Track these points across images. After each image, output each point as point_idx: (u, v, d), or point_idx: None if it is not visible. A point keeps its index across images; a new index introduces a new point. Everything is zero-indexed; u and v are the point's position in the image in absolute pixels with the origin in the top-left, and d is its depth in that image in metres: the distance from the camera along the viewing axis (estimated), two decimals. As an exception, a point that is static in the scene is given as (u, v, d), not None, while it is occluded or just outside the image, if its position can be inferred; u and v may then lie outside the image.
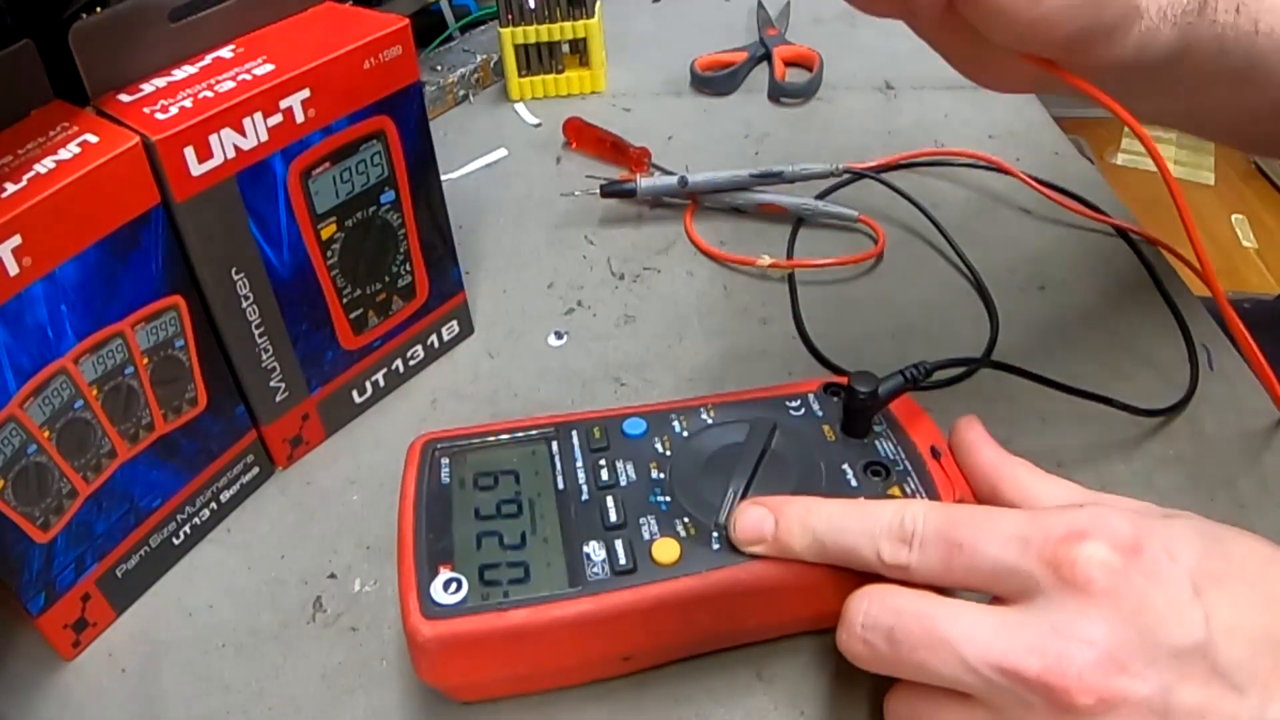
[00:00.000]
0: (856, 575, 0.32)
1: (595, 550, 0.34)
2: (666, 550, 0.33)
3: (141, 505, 0.40)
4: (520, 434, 0.38)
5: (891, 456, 0.37)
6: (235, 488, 0.44)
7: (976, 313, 0.52)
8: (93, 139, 0.35)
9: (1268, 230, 2.06)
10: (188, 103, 0.37)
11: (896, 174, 0.63)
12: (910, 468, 0.36)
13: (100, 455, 0.38)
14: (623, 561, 0.33)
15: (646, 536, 0.34)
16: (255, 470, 0.45)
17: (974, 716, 0.29)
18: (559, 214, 0.62)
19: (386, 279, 0.47)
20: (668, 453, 0.37)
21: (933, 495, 0.35)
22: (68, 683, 0.38)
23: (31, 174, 0.34)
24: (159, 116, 0.36)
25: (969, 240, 0.56)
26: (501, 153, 0.68)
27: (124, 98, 0.38)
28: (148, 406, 0.39)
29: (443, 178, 0.65)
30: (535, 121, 0.72)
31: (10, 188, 0.33)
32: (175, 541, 0.42)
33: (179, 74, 0.39)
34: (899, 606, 0.30)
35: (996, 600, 0.30)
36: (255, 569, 0.42)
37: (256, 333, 0.42)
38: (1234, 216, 2.11)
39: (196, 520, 0.43)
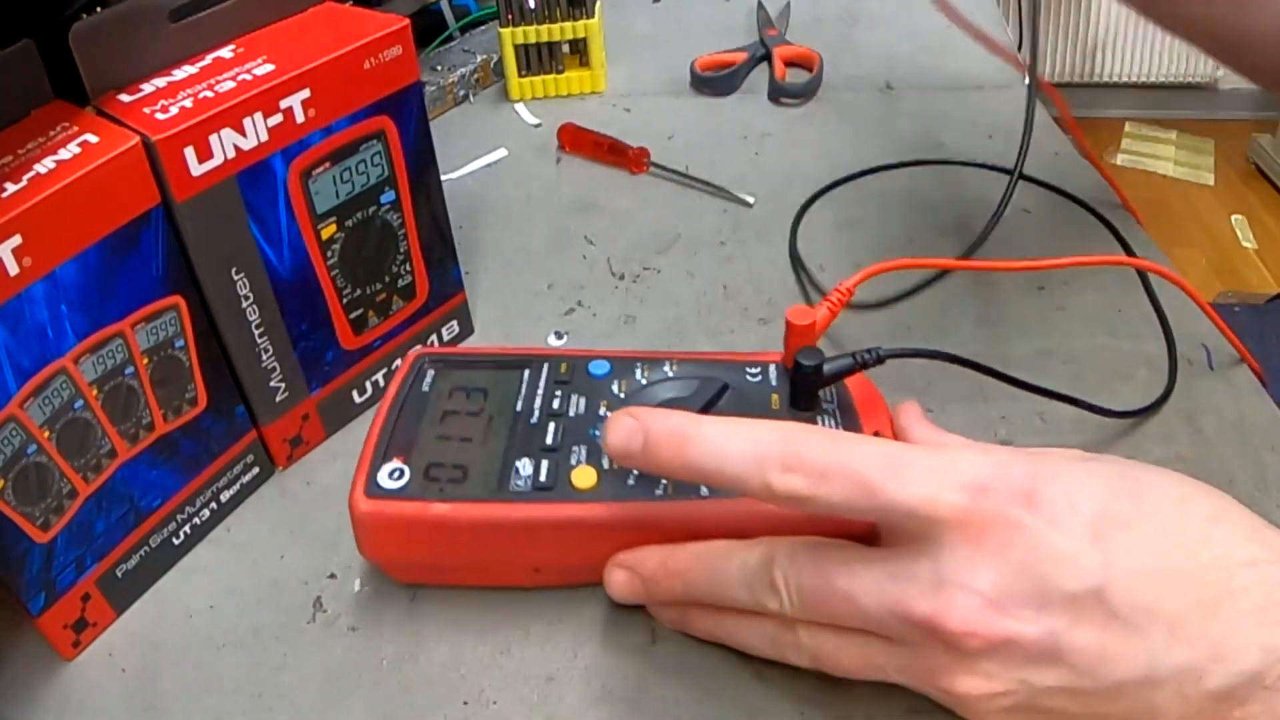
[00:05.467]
0: (759, 522, 0.34)
1: (525, 466, 0.37)
2: (585, 476, 0.36)
3: (141, 505, 0.40)
4: (502, 359, 0.42)
5: None
6: (235, 488, 0.44)
7: (977, 313, 0.52)
8: (93, 139, 0.35)
9: (1268, 230, 2.06)
10: (188, 103, 0.37)
11: (897, 172, 0.63)
12: None
13: (100, 455, 0.38)
14: (544, 479, 0.36)
15: (572, 462, 0.37)
16: (255, 470, 0.45)
17: (875, 649, 0.30)
18: (559, 214, 0.62)
19: (386, 279, 0.47)
20: (622, 394, 0.40)
21: None
22: (68, 683, 0.38)
23: (31, 174, 0.34)
24: (158, 117, 0.36)
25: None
26: (501, 153, 0.68)
27: (124, 98, 0.38)
28: (148, 406, 0.39)
29: (443, 178, 0.65)
30: (535, 122, 0.72)
31: (10, 188, 0.33)
32: (175, 541, 0.42)
33: (179, 74, 0.39)
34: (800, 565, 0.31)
35: (888, 538, 0.31)
36: (255, 569, 0.42)
37: (256, 333, 0.42)
38: (1234, 217, 2.11)
39: (196, 520, 0.43)
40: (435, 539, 0.37)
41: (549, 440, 0.38)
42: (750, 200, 0.61)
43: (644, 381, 0.40)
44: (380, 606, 0.40)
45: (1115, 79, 2.49)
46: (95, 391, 0.37)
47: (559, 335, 0.52)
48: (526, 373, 0.41)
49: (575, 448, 0.38)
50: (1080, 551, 0.27)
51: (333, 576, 0.41)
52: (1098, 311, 0.51)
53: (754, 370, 0.41)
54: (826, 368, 0.38)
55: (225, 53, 0.40)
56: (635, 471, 0.36)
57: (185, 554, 0.43)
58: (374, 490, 0.36)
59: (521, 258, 0.59)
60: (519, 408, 0.39)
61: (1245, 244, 2.03)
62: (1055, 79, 2.44)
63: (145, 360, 0.38)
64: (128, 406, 0.38)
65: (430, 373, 0.41)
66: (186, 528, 0.42)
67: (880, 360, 0.39)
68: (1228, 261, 1.97)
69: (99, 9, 0.39)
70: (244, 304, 0.41)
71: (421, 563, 0.38)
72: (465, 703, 0.36)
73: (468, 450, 0.38)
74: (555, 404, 0.39)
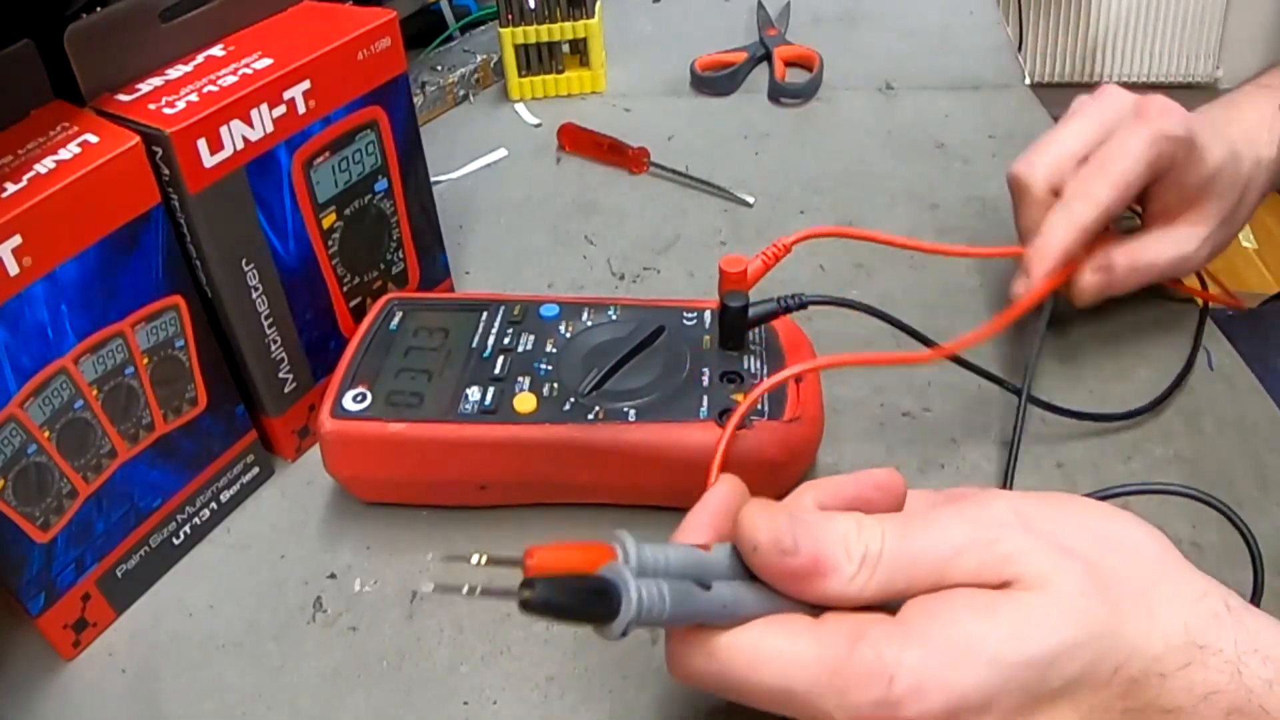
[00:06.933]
0: (683, 457, 0.38)
1: (473, 393, 0.40)
2: (525, 402, 0.40)
3: (141, 505, 0.40)
4: (463, 303, 0.46)
5: (753, 371, 0.41)
6: (235, 488, 0.44)
7: (977, 311, 0.52)
8: (93, 139, 0.35)
9: (1268, 230, 2.06)
10: (194, 97, 0.38)
11: (903, 174, 0.63)
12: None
13: (100, 455, 0.38)
14: (488, 403, 0.40)
15: (515, 390, 0.40)
16: (255, 470, 0.45)
17: None
18: (559, 214, 0.62)
19: (381, 266, 0.48)
20: (567, 334, 0.43)
21: (777, 413, 0.39)
22: (68, 683, 0.38)
23: (32, 174, 0.34)
24: (166, 111, 0.37)
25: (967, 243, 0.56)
26: (501, 153, 0.68)
27: (123, 97, 0.38)
28: (148, 406, 0.39)
29: (443, 178, 0.66)
30: (535, 122, 0.72)
31: (10, 188, 0.33)
32: (175, 541, 0.42)
33: (173, 73, 0.39)
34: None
35: None
36: (255, 569, 0.42)
37: (266, 324, 0.43)
38: (1234, 216, 2.11)
39: (196, 520, 0.43)
40: (391, 455, 0.40)
41: (497, 371, 0.41)
42: (750, 200, 0.61)
43: (589, 324, 0.44)
44: (380, 606, 0.40)
45: (1115, 79, 2.49)
46: (95, 391, 0.37)
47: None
48: (484, 314, 0.44)
49: (520, 378, 0.41)
50: None
51: (333, 576, 0.41)
52: (1102, 312, 0.51)
53: (690, 315, 0.44)
54: (752, 310, 0.41)
55: (217, 51, 0.41)
56: (572, 401, 0.40)
57: (185, 554, 0.43)
58: (339, 412, 0.40)
59: (522, 257, 0.59)
60: (474, 344, 0.43)
61: (1245, 244, 2.02)
62: (1055, 79, 2.44)
63: (145, 360, 0.38)
64: (128, 406, 0.38)
65: (398, 314, 0.45)
66: (186, 528, 0.42)
67: (803, 305, 0.42)
68: (1228, 261, 1.97)
69: (98, 9, 0.39)
70: (254, 295, 0.42)
71: (380, 479, 0.42)
72: (465, 703, 0.36)
73: (425, 380, 0.41)
74: (506, 340, 0.43)
